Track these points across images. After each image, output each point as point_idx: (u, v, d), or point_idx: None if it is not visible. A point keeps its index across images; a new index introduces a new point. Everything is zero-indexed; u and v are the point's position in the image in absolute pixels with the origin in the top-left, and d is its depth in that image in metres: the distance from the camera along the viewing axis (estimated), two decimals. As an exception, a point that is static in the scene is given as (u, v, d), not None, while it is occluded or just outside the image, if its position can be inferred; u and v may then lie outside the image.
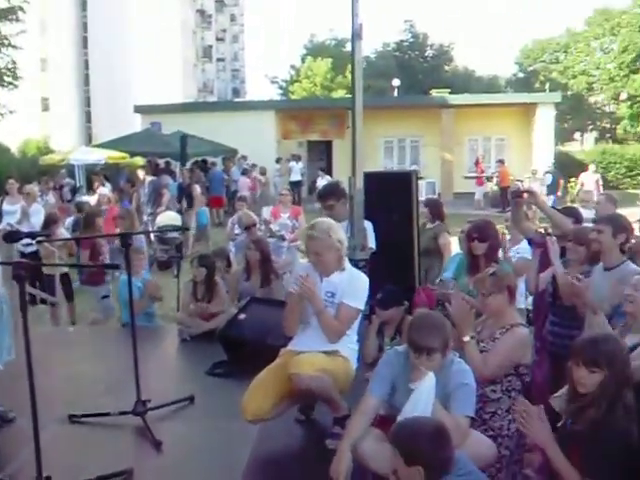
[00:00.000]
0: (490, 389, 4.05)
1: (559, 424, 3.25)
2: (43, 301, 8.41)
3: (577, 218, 5.77)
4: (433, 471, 2.80)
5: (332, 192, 6.28)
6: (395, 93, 37.53)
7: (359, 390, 3.86)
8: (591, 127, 49.32)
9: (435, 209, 7.56)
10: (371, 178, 6.34)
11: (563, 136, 43.76)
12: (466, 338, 4.01)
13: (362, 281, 4.35)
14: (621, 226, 4.64)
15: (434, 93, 29.92)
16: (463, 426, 3.40)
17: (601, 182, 20.59)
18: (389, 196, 6.62)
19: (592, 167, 21.49)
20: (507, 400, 4.04)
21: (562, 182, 21.59)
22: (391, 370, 3.67)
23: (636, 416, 3.03)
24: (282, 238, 8.69)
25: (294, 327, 4.36)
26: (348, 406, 4.18)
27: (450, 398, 3.46)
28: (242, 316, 6.04)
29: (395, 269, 6.23)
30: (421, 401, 3.36)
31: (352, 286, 4.26)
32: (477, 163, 24.61)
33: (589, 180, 20.08)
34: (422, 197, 14.25)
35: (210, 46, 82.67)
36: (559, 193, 21.01)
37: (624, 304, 3.87)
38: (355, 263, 5.34)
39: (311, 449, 4.34)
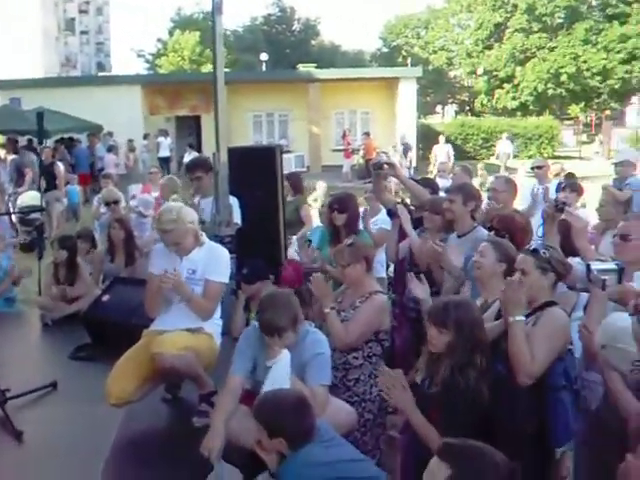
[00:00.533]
0: (352, 356, 4.18)
1: (419, 380, 3.43)
2: None
3: (433, 188, 6.09)
4: (295, 441, 2.87)
5: (200, 164, 6.29)
6: (263, 67, 37.33)
7: (226, 365, 3.87)
8: (451, 100, 51.06)
9: (295, 183, 7.74)
10: (235, 153, 6.31)
11: (425, 109, 45.14)
12: (327, 310, 4.11)
13: (222, 254, 4.37)
14: (470, 194, 4.91)
15: (301, 68, 30.03)
16: (320, 396, 3.47)
17: (452, 152, 21.67)
18: (253, 171, 6.60)
19: (442, 139, 22.68)
20: (369, 366, 4.18)
21: (410, 154, 22.93)
22: (250, 346, 3.72)
23: (488, 376, 3.22)
24: (141, 214, 8.46)
25: (156, 308, 4.32)
26: (214, 382, 4.20)
27: (305, 369, 3.53)
28: (106, 297, 5.89)
29: (261, 243, 6.26)
30: (278, 378, 3.42)
31: (213, 261, 4.28)
32: (344, 136, 25.03)
33: (441, 151, 21.18)
34: (291, 170, 14.39)
35: (73, 18, 78.93)
36: (413, 164, 22.31)
37: (473, 270, 4.08)
38: (221, 239, 5.36)
39: (178, 428, 4.32)
